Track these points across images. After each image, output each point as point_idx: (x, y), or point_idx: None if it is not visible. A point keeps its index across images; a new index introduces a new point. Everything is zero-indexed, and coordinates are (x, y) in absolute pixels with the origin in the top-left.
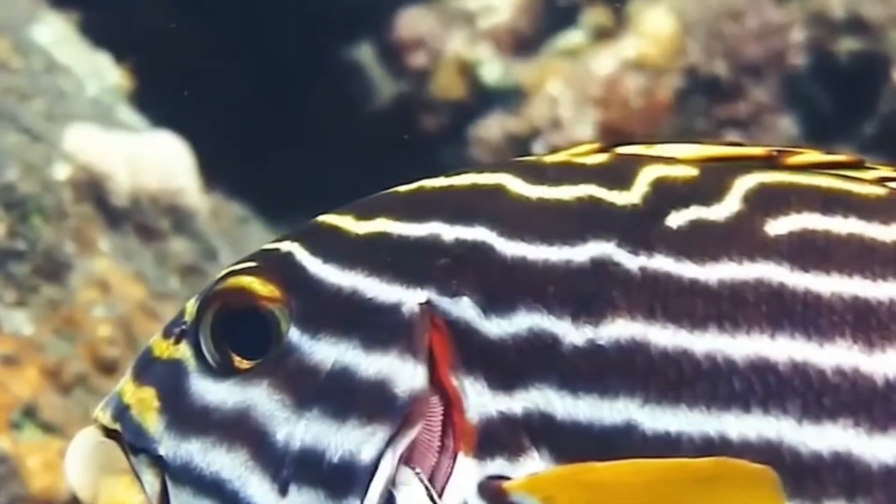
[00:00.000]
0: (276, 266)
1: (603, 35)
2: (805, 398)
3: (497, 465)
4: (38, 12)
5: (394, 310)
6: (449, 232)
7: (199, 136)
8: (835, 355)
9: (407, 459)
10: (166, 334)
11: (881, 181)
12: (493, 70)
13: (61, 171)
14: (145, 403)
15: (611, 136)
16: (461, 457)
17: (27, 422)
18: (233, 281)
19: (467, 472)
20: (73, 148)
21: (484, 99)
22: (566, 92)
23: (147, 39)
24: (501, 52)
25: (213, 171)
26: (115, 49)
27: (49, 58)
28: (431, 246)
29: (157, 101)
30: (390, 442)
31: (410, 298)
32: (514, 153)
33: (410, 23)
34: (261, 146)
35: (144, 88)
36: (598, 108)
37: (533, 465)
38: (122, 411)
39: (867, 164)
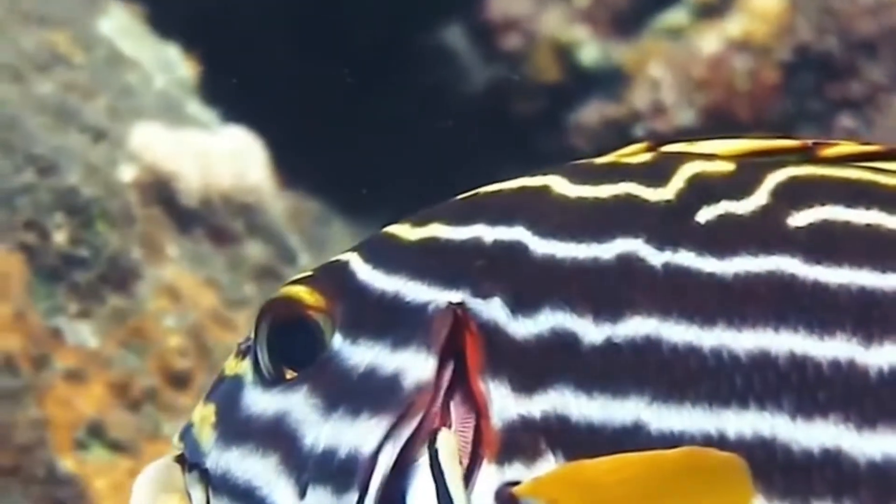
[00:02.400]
0: (328, 275)
1: (707, 13)
2: (800, 394)
3: (515, 471)
4: (100, 3)
5: (423, 309)
6: (490, 233)
7: (274, 130)
8: (833, 348)
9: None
10: (237, 351)
11: None
12: (590, 52)
13: (127, 172)
14: (205, 420)
15: (716, 121)
16: (485, 464)
17: (94, 441)
18: (283, 292)
19: (488, 479)
20: (140, 147)
21: (581, 82)
22: (668, 74)
23: (217, 28)
24: (599, 33)
25: (290, 168)
26: (184, 40)
27: (113, 51)
28: (473, 248)
29: (228, 94)
30: (390, 433)
31: (443, 299)
32: (614, 140)
33: (503, 3)
34: (341, 139)
35: (214, 81)
36: (701, 91)
37: (549, 468)
38: (187, 430)
39: None
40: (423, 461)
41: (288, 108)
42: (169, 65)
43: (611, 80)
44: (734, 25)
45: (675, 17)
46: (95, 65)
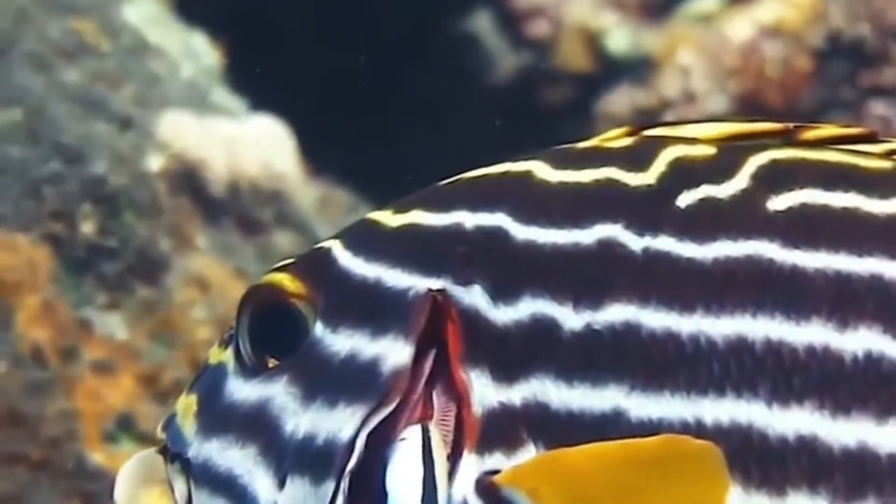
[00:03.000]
0: (310, 262)
1: None
2: (776, 380)
3: (495, 459)
4: None
5: (402, 295)
6: (471, 220)
7: (301, 118)
8: (809, 334)
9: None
10: (221, 340)
11: (891, 154)
12: (619, 39)
13: (154, 162)
14: (187, 410)
15: (747, 109)
16: (465, 453)
17: (122, 433)
18: (265, 279)
19: (469, 468)
20: (167, 136)
21: (610, 70)
22: (699, 62)
23: (243, 16)
24: (628, 19)
25: (318, 156)
26: (210, 28)
27: (140, 39)
28: (454, 235)
29: (255, 82)
30: (367, 420)
31: (424, 286)
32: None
33: None
34: (369, 127)
35: (241, 69)
36: (732, 79)
37: (529, 457)
38: (169, 421)
39: (880, 138)
40: (403, 448)
41: (315, 96)
42: (195, 53)
43: (640, 68)
44: (765, 12)
45: (705, 3)
46: (122, 53)
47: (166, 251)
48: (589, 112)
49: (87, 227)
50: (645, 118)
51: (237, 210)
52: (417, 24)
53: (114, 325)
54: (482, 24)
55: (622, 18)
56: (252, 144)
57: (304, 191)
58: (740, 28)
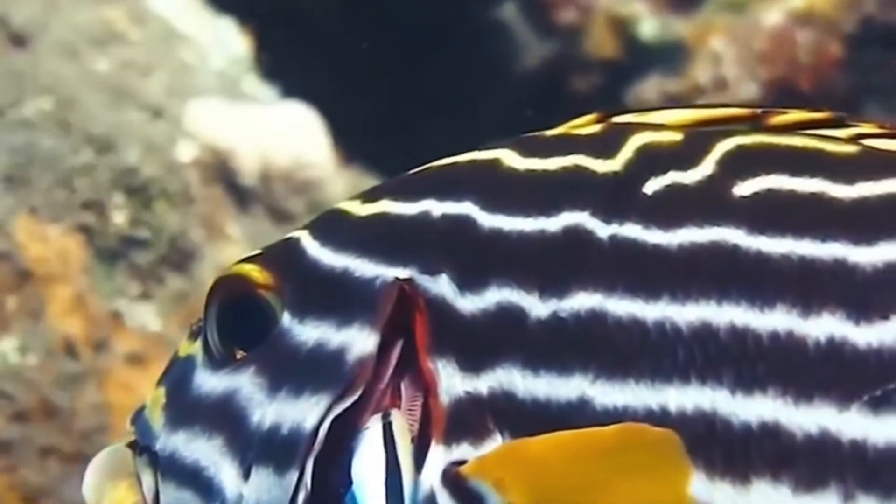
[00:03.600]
0: (278, 253)
1: None
2: (740, 367)
3: (462, 450)
4: None
5: (369, 285)
6: (439, 208)
7: (332, 106)
8: (773, 320)
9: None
10: (190, 332)
11: (857, 138)
12: (649, 26)
13: (186, 151)
14: (156, 402)
15: (778, 95)
16: (433, 443)
17: None
18: (232, 270)
19: (436, 459)
20: (198, 125)
21: (640, 58)
22: (730, 48)
23: (272, 4)
24: (658, 7)
25: (349, 144)
26: (238, 15)
27: (169, 27)
28: (421, 223)
29: (285, 70)
30: (330, 408)
31: (391, 275)
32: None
33: None
34: (398, 115)
35: (270, 57)
36: (764, 66)
37: (495, 447)
38: (138, 414)
39: (848, 121)
40: (368, 437)
41: (344, 83)
42: (224, 41)
43: (671, 55)
44: None
45: None
46: (151, 41)
47: (198, 241)
48: (619, 100)
49: (119, 218)
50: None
51: (269, 199)
52: (446, 11)
53: (146, 316)
54: (510, 11)
55: (652, 6)
56: (283, 133)
57: (336, 179)
58: (772, 14)
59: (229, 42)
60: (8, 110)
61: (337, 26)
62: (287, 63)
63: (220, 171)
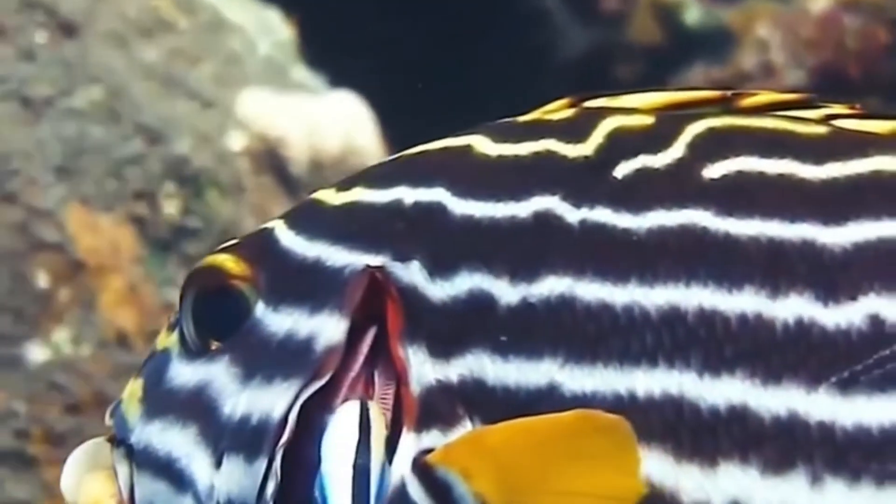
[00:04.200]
0: (252, 242)
1: None
2: (708, 350)
3: (432, 438)
4: None
5: (340, 272)
6: (411, 195)
7: (378, 93)
8: (741, 302)
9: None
10: (168, 324)
11: (828, 119)
12: (694, 12)
13: (236, 140)
14: (133, 395)
15: (825, 81)
16: (404, 432)
17: None
18: (207, 261)
19: (407, 447)
20: (248, 114)
21: (685, 44)
22: (776, 34)
23: None
24: None
25: (395, 132)
26: (284, 2)
27: (216, 15)
28: (394, 211)
29: (331, 57)
30: (299, 394)
31: (363, 262)
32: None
33: None
34: (442, 102)
35: (316, 45)
36: (811, 51)
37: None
38: (116, 407)
39: (818, 103)
40: (339, 425)
41: (390, 71)
42: (270, 29)
43: (716, 42)
44: None
45: None
46: (199, 30)
47: (250, 230)
48: (663, 86)
49: (170, 208)
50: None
51: (319, 187)
52: None
53: None
54: None
55: None
56: (332, 121)
57: None
58: (818, 1)
59: (275, 30)
60: (58, 100)
61: (382, 14)
62: (332, 51)
63: (271, 159)
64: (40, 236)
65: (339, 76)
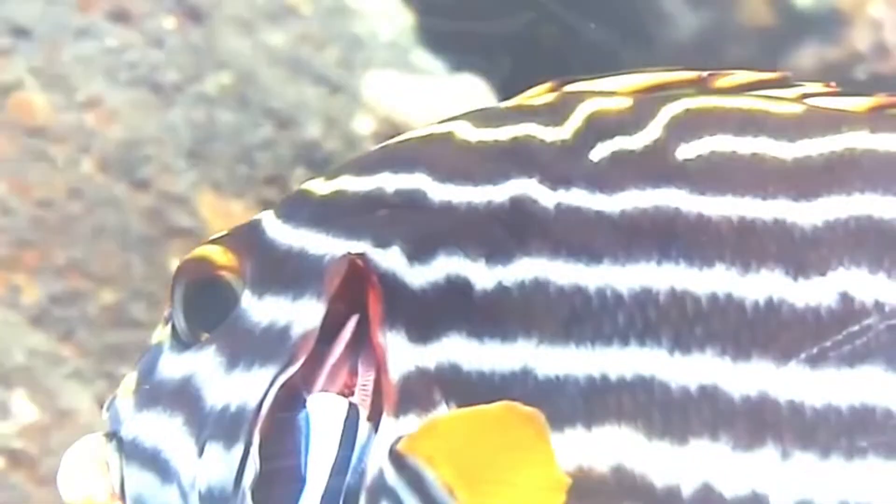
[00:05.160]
0: (241, 233)
1: None
2: (679, 330)
3: (410, 424)
4: None
5: (321, 260)
6: (392, 182)
7: (498, 76)
8: (712, 281)
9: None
10: (164, 318)
11: (803, 97)
12: None
13: (364, 124)
14: (126, 389)
15: None
16: (384, 418)
17: None
18: (195, 252)
19: (387, 433)
20: (375, 98)
21: (797, 25)
22: (890, 14)
23: None
24: None
25: None
26: None
27: (338, 1)
28: (376, 198)
29: (451, 41)
30: (274, 380)
31: (345, 249)
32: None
33: None
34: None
35: (436, 29)
36: None
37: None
38: (112, 401)
39: (794, 82)
40: (319, 411)
41: (504, 54)
42: (390, 14)
43: (828, 23)
44: None
45: None
46: (322, 15)
47: None
48: (774, 69)
49: None
50: (835, 73)
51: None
52: None
53: None
54: None
55: None
56: (457, 104)
57: None
58: None
59: (394, 15)
60: (188, 86)
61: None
62: (451, 35)
63: None
64: (173, 222)
65: (459, 60)
